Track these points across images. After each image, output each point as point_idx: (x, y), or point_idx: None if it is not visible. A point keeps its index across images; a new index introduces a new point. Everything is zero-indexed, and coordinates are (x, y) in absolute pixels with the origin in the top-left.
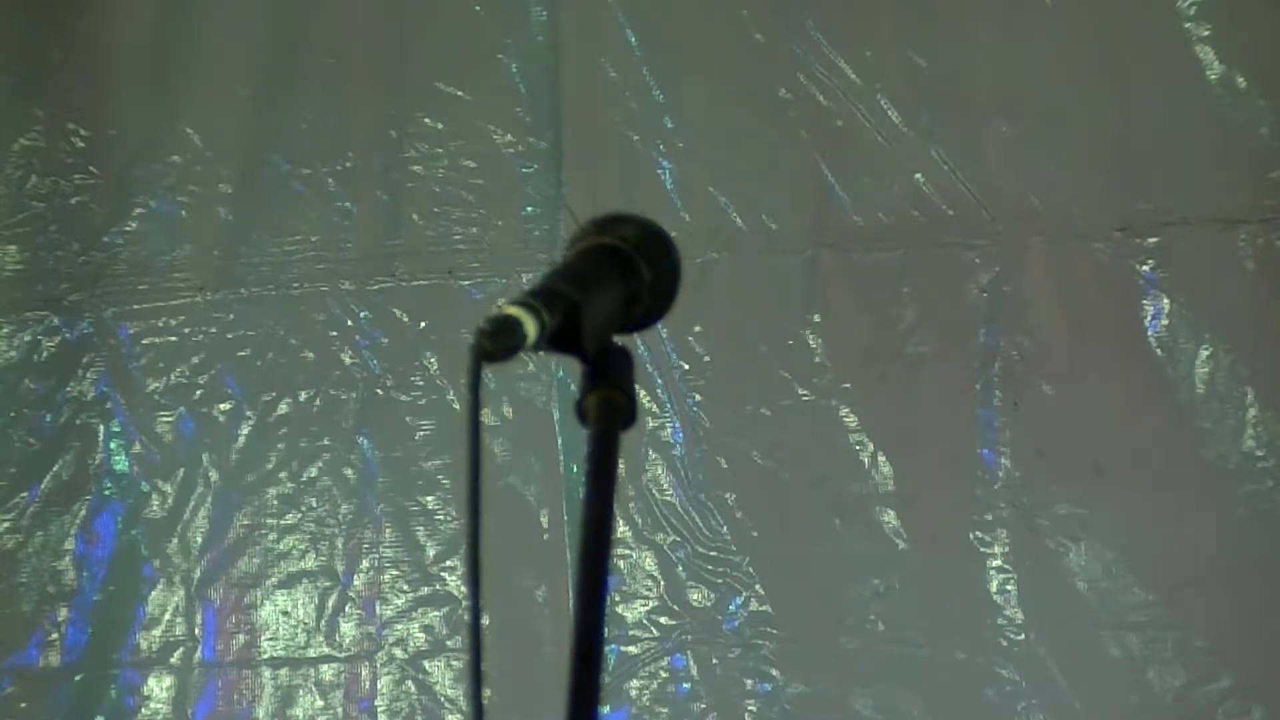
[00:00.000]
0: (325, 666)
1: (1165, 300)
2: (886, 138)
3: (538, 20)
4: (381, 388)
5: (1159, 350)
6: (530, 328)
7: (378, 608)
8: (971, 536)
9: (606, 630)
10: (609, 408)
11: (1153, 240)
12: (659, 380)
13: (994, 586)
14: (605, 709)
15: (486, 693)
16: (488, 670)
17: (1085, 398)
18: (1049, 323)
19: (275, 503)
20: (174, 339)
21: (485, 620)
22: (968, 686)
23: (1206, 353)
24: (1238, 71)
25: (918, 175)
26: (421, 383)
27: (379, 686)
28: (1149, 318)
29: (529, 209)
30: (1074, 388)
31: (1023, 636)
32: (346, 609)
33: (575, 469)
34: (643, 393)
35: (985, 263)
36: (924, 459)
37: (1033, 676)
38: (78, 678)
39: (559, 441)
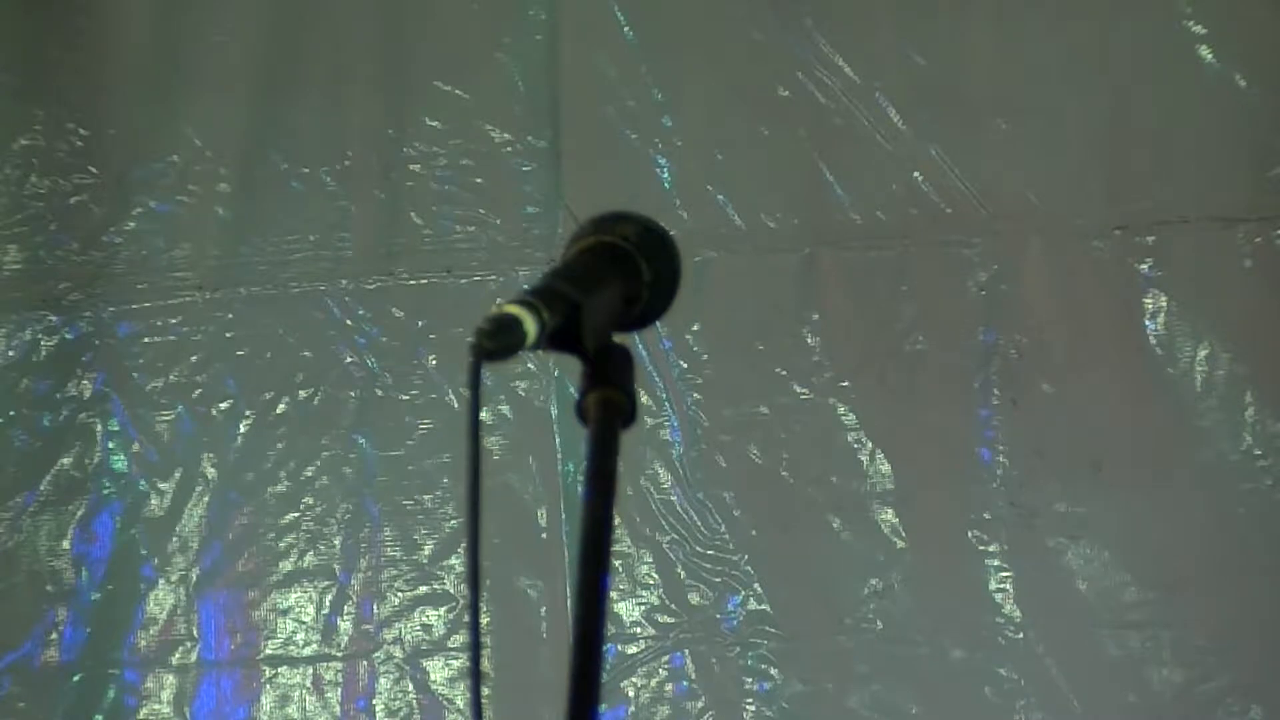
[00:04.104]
0: (324, 665)
1: (1164, 299)
2: (885, 136)
3: (536, 19)
4: (380, 386)
5: (1157, 349)
6: (530, 326)
7: (376, 606)
8: (970, 535)
9: (605, 629)
10: (609, 407)
11: (1151, 238)
12: (658, 379)
13: (992, 585)
14: (603, 707)
15: (485, 692)
16: (486, 669)
17: (1084, 396)
18: (1047, 321)
19: (274, 502)
20: (173, 338)
21: (483, 619)
22: (966, 685)
23: (1205, 351)
24: (1236, 70)
25: (916, 173)
26: (420, 382)
27: (377, 685)
28: (1147, 316)
29: (528, 208)
30: (1072, 386)
31: (1021, 635)
32: (345, 608)
33: (573, 468)
34: (641, 392)
35: (984, 261)
36: (922, 457)
37: (1031, 675)
38: (77, 677)
39: (557, 440)
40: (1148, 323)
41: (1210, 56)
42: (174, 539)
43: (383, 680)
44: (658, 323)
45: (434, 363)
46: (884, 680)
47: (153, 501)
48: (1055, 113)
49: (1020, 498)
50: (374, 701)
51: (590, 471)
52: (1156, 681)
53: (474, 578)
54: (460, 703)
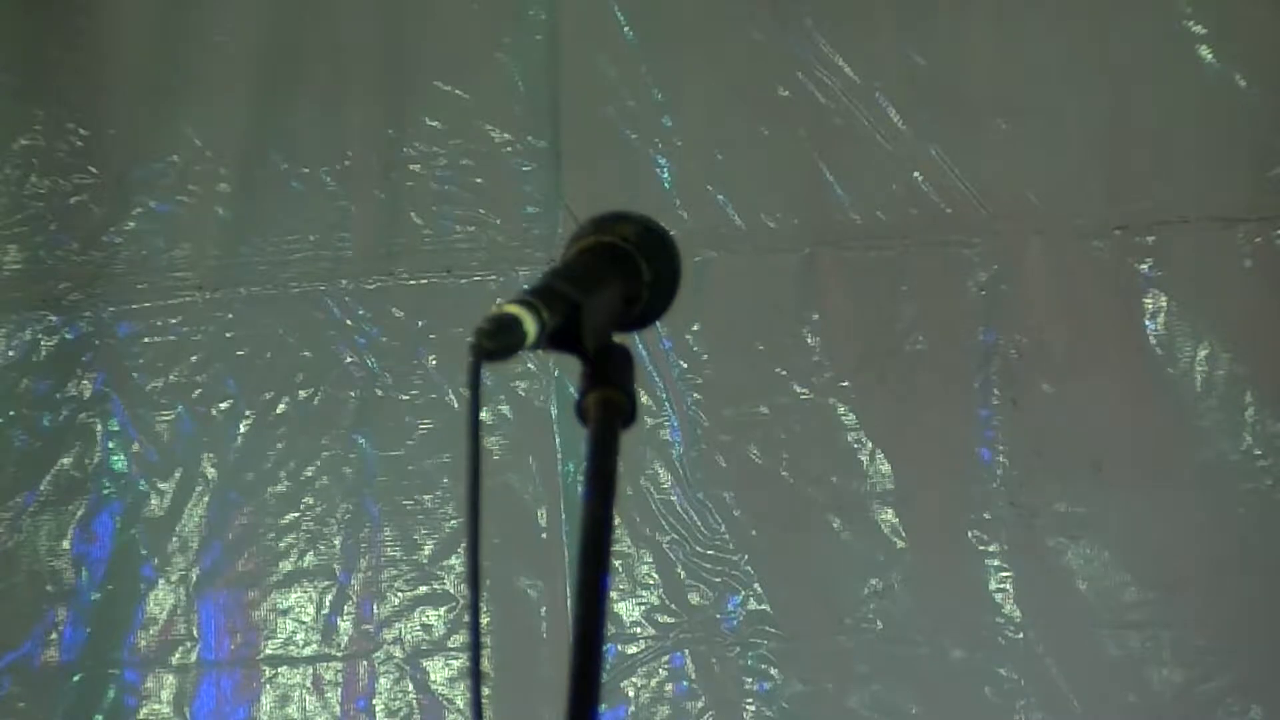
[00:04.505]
0: (324, 665)
1: (1164, 299)
2: (885, 136)
3: (536, 19)
4: (380, 386)
5: (1157, 349)
6: (530, 326)
7: (376, 606)
8: (970, 535)
9: (605, 629)
10: (609, 407)
11: (1151, 238)
12: (657, 379)
13: (992, 585)
14: (603, 707)
15: (485, 692)
16: (486, 669)
17: (1084, 396)
18: (1047, 321)
19: (274, 502)
20: (173, 338)
21: (483, 619)
22: (966, 685)
23: (1205, 351)
24: (1236, 70)
25: (916, 173)
26: (420, 381)
27: (377, 685)
28: (1147, 316)
29: (528, 208)
30: (1072, 386)
31: (1021, 635)
32: (345, 608)
33: (573, 468)
34: (641, 392)
35: (983, 261)
36: (922, 457)
37: (1031, 675)
38: (77, 677)
39: (557, 440)
40: (1148, 323)
41: (1210, 56)
42: (174, 539)
43: (383, 680)
44: (658, 323)
45: (434, 363)
46: (884, 680)
47: (153, 501)
48: (1055, 113)
49: (1020, 498)
50: (374, 701)
51: (590, 471)
52: (1156, 681)
53: (474, 578)
54: (460, 703)
